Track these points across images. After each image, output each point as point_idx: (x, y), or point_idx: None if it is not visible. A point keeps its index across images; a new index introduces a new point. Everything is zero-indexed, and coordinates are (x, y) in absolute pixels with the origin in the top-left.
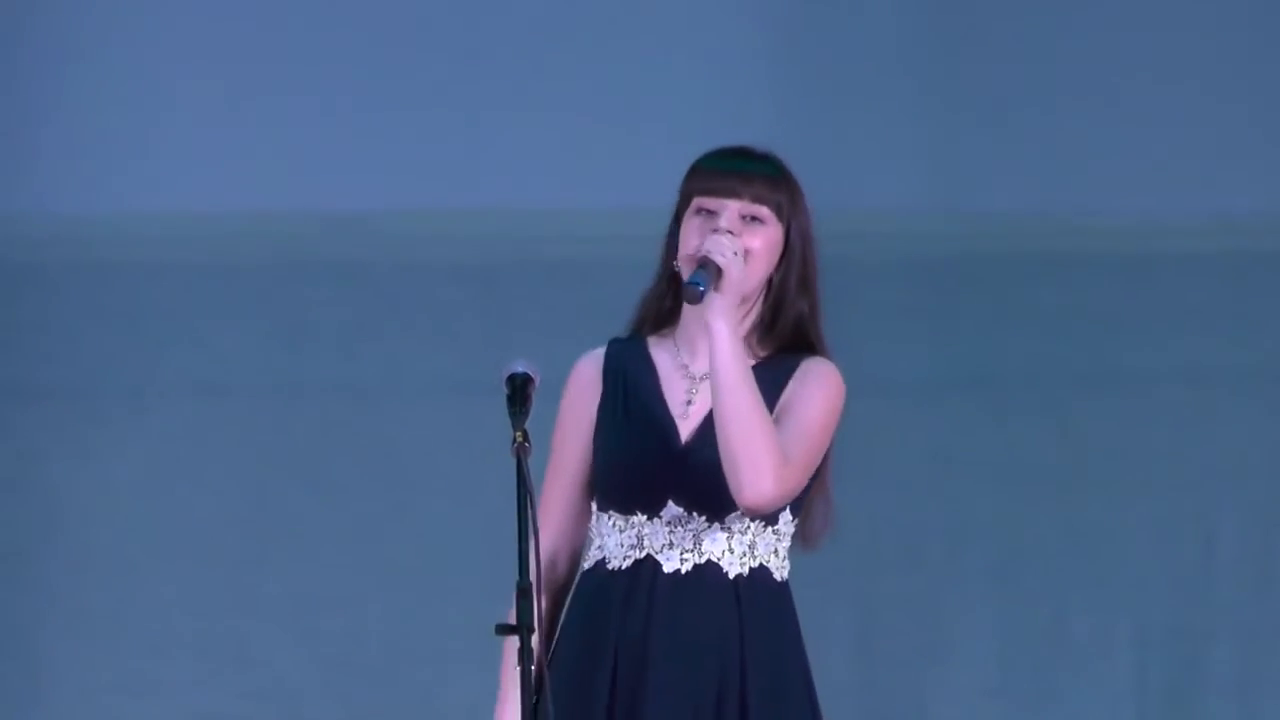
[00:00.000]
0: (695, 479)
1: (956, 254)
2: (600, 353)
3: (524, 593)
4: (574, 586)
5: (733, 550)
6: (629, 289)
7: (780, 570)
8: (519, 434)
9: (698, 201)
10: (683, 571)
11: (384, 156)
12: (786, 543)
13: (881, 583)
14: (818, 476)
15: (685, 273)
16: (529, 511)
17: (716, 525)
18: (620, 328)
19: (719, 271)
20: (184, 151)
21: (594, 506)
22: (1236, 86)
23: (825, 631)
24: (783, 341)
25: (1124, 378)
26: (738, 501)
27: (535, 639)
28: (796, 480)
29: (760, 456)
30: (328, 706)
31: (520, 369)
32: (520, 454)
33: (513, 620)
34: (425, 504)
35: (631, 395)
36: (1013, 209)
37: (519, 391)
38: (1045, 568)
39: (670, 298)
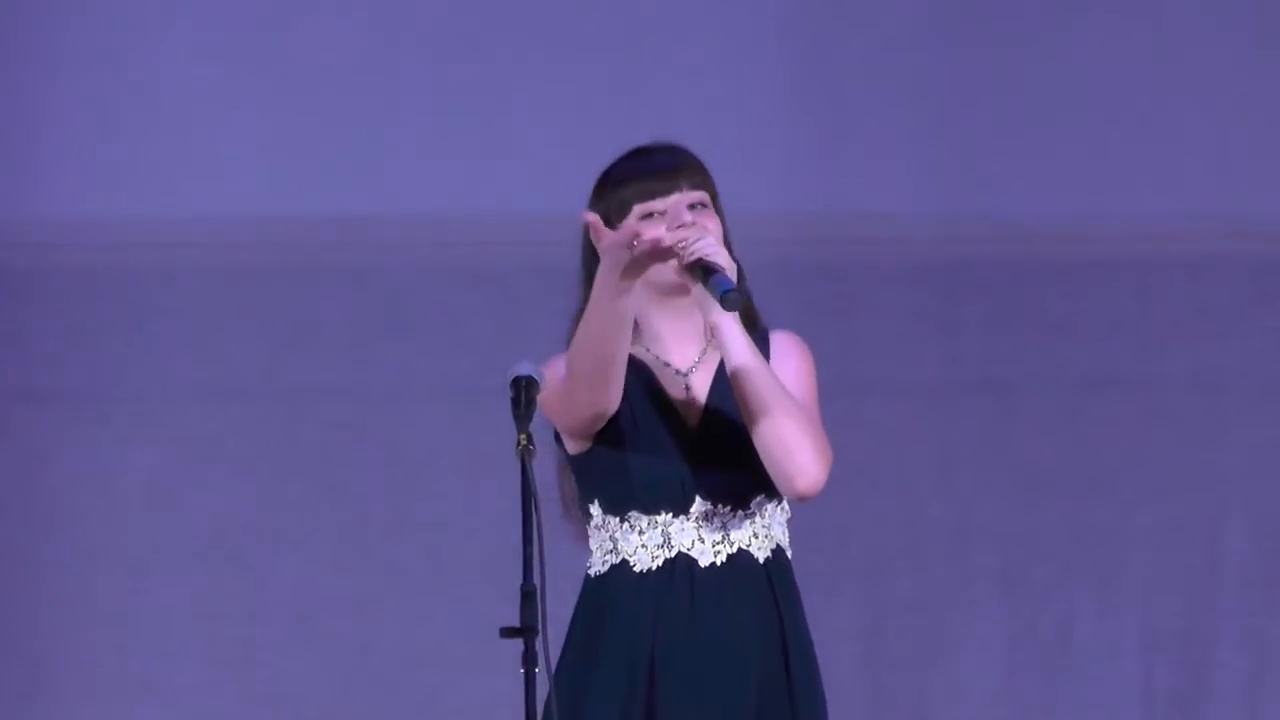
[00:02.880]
0: (717, 470)
1: (965, 258)
2: None
3: (528, 595)
4: (584, 594)
5: (757, 535)
6: None
7: (789, 548)
8: (523, 436)
9: (640, 208)
10: (718, 564)
11: (393, 161)
12: (789, 517)
13: (887, 585)
14: None
15: (676, 275)
16: (533, 514)
17: (741, 513)
18: None
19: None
20: (190, 155)
21: (598, 511)
22: (1249, 88)
23: (831, 632)
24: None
25: (1133, 382)
26: (788, 491)
27: (540, 641)
28: (831, 455)
29: (805, 443)
30: (335, 710)
31: (525, 372)
32: (525, 456)
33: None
34: (433, 507)
35: (636, 398)
36: (1022, 213)
37: (523, 394)
38: (1052, 571)
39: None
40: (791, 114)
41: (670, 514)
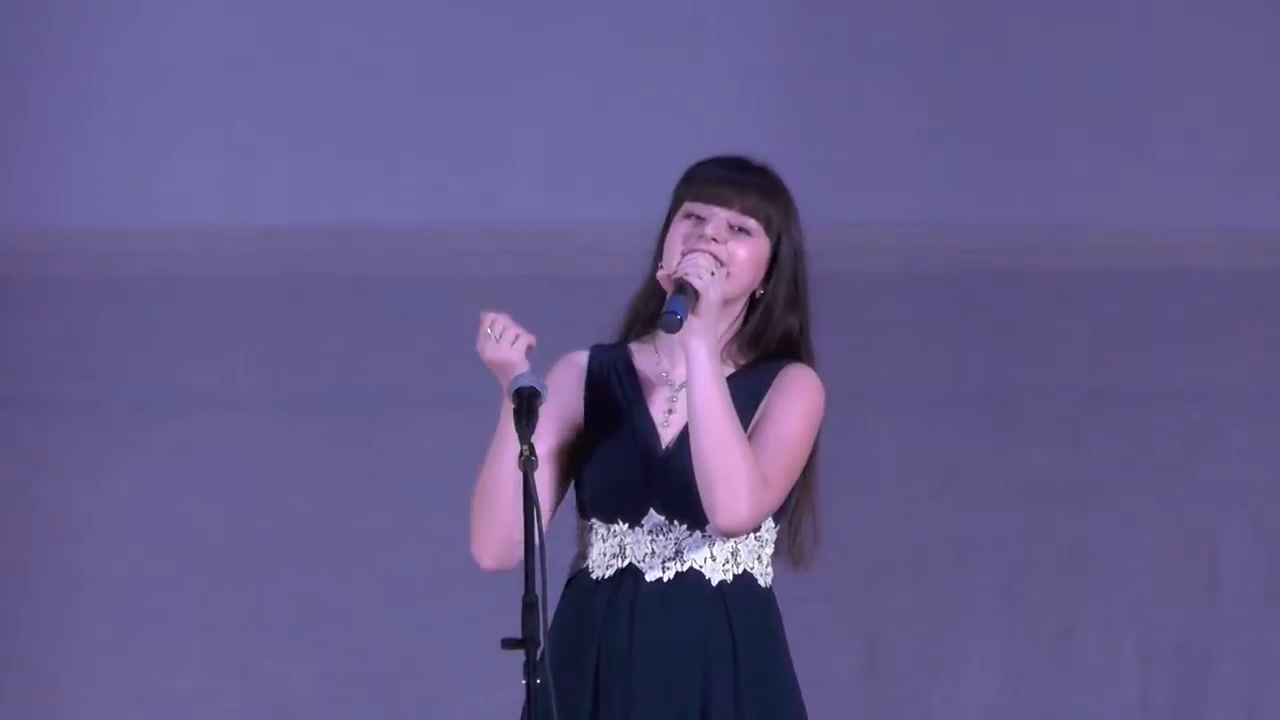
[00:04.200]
0: (675, 487)
1: (964, 269)
2: (584, 355)
3: (530, 606)
4: (560, 595)
5: (714, 558)
6: None
7: (764, 577)
8: (525, 448)
9: (688, 206)
10: (665, 580)
11: (392, 171)
12: (770, 549)
13: (886, 597)
14: (804, 492)
15: (666, 286)
16: (534, 525)
17: (698, 533)
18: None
19: (696, 294)
20: (190, 165)
21: (578, 514)
22: (1249, 99)
23: (830, 645)
24: (767, 351)
25: (1132, 394)
26: (712, 523)
27: (541, 652)
28: (773, 500)
29: (736, 481)
30: None
31: (527, 383)
32: (526, 468)
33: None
34: (432, 519)
35: (617, 404)
36: (1021, 224)
37: (526, 405)
38: (1051, 584)
39: (654, 303)
40: (792, 125)
41: (626, 524)
